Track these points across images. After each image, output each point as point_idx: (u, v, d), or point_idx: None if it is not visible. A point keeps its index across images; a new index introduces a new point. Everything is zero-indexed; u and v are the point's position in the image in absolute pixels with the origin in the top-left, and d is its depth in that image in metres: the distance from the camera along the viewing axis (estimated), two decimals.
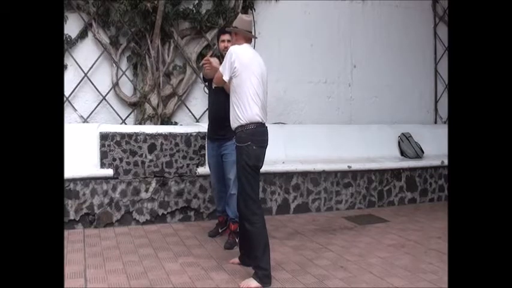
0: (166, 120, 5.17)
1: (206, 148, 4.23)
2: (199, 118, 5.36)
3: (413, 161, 5.72)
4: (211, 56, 5.05)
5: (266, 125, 3.17)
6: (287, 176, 4.96)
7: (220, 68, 3.17)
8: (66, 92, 4.88)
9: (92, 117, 5.04)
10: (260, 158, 3.11)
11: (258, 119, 3.07)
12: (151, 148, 4.38)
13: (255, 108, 3.05)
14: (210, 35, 5.33)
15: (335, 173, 5.18)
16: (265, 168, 3.47)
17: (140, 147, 4.35)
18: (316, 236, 4.18)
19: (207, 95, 4.18)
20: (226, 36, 3.78)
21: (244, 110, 3.05)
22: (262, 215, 3.09)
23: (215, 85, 3.40)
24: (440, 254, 3.69)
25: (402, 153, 5.94)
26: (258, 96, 3.08)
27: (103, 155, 4.26)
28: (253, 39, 3.50)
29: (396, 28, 6.50)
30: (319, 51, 6.02)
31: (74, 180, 4.16)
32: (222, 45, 3.84)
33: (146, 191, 4.38)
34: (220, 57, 3.72)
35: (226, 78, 3.11)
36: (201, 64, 3.56)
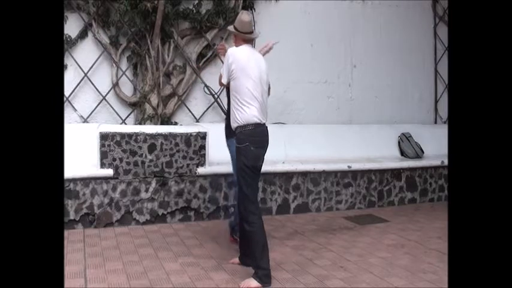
0: (166, 120, 5.17)
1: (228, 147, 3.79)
2: (199, 118, 5.36)
3: (413, 161, 5.72)
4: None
5: (266, 124, 3.17)
6: (287, 176, 4.95)
7: (221, 71, 3.19)
8: (66, 92, 4.88)
9: (92, 117, 5.04)
10: (258, 159, 3.11)
11: (255, 120, 3.07)
12: (151, 148, 4.38)
13: (252, 110, 3.06)
14: (210, 35, 5.33)
15: (335, 173, 5.17)
16: (265, 168, 3.46)
17: (140, 147, 4.35)
18: (316, 236, 4.18)
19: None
20: None
21: (242, 112, 3.06)
22: (260, 215, 3.10)
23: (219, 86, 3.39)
24: (440, 254, 3.69)
25: (402, 153, 5.94)
26: (255, 98, 3.08)
27: (103, 155, 4.26)
28: (255, 40, 3.48)
29: (396, 28, 6.50)
30: (319, 51, 6.02)
31: (74, 180, 4.16)
32: None
33: (146, 191, 4.38)
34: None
35: (224, 81, 3.15)
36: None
